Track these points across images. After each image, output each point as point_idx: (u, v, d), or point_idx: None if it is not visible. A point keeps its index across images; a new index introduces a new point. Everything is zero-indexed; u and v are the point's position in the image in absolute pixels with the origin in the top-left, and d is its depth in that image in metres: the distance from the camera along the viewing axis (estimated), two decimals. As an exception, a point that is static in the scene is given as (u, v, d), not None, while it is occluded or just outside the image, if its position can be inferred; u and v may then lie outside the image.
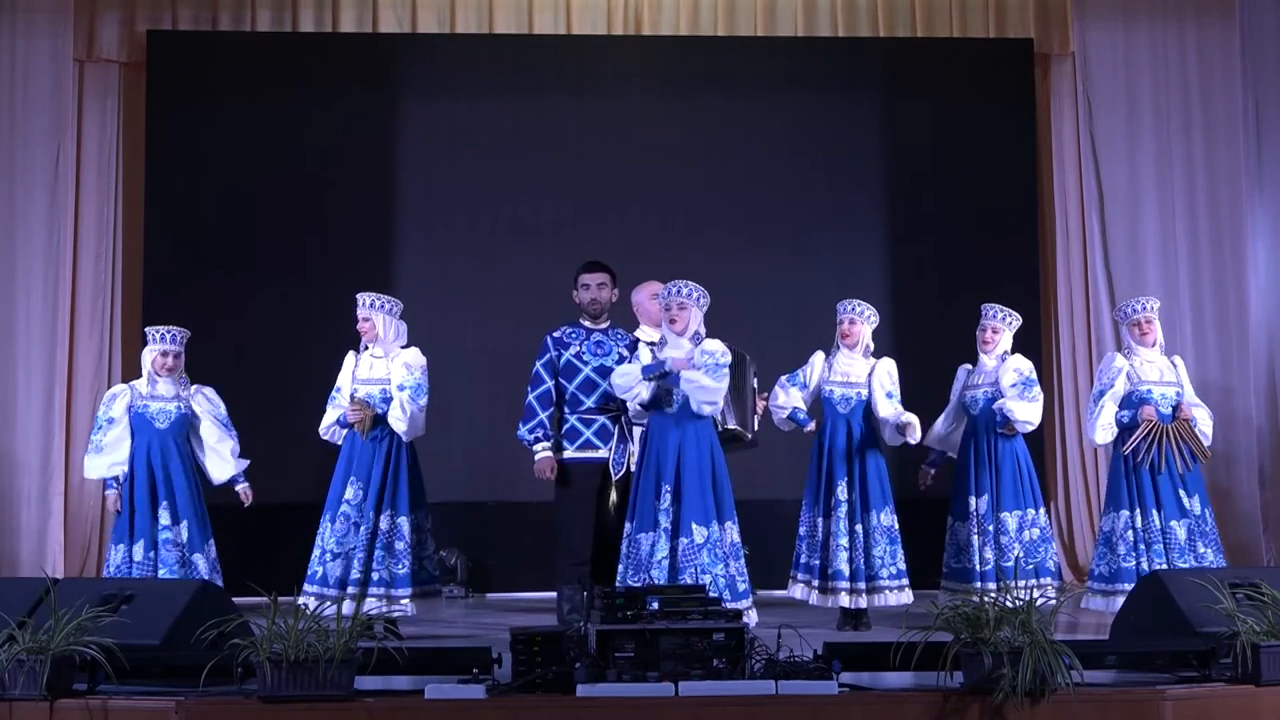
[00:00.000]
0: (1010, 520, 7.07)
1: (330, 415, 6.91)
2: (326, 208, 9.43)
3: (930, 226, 9.60)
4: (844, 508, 6.95)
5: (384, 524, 6.66)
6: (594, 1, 9.67)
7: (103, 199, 9.38)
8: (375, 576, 6.60)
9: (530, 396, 6.63)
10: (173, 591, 5.29)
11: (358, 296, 6.90)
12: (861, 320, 7.16)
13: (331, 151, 9.47)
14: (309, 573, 6.66)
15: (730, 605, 5.96)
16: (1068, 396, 9.65)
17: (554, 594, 6.71)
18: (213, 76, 9.41)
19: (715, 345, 6.48)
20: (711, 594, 5.64)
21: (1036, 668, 4.41)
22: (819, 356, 7.23)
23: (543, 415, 6.58)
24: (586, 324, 6.70)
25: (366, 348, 6.90)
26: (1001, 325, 7.26)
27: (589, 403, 6.58)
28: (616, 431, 6.57)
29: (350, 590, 6.49)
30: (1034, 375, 7.18)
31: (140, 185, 9.39)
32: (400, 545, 6.67)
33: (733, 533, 6.43)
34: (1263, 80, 9.36)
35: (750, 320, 9.16)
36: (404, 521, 6.70)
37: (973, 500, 7.12)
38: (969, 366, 7.35)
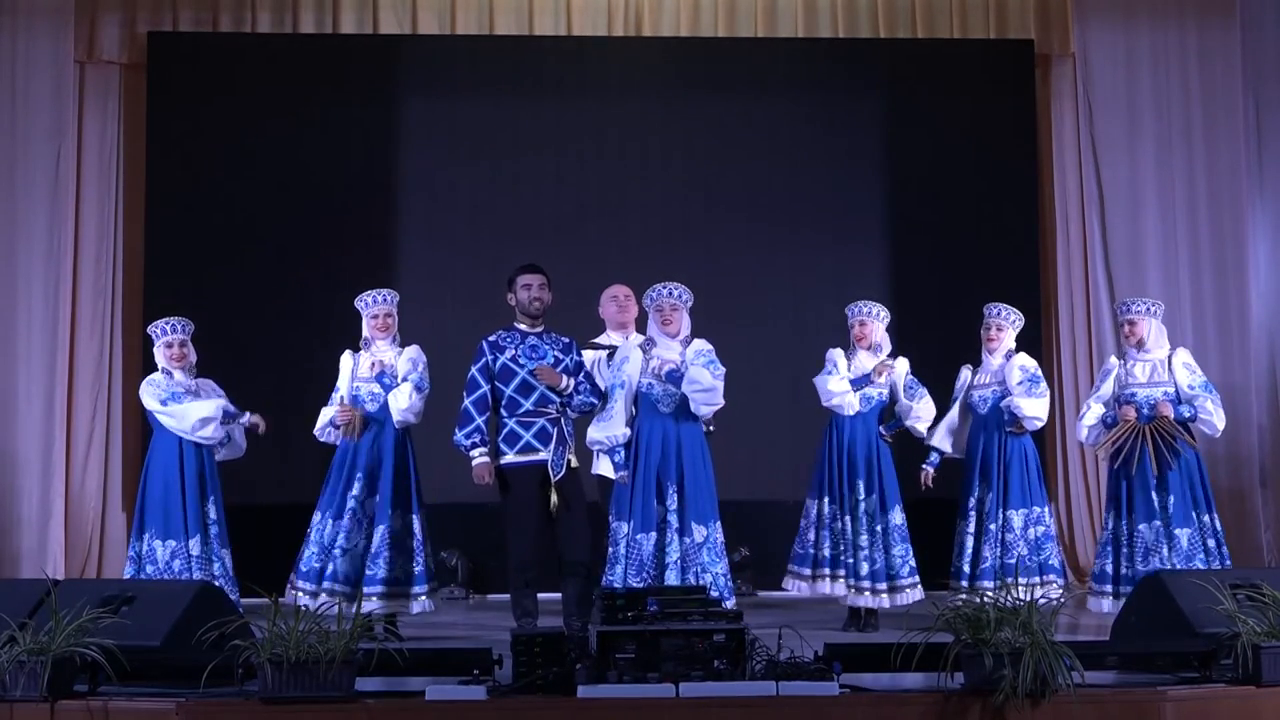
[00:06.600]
0: (1016, 518, 7.07)
1: (325, 415, 6.97)
2: (327, 208, 9.41)
3: (930, 227, 9.58)
4: (863, 507, 6.98)
5: (397, 522, 6.79)
6: (594, 3, 9.66)
7: (103, 200, 9.36)
8: (402, 574, 6.77)
9: (466, 401, 6.56)
10: (173, 593, 5.30)
11: (375, 294, 7.02)
12: (873, 320, 7.19)
13: (332, 152, 9.45)
14: (325, 570, 6.72)
15: (729, 603, 6.01)
16: (1068, 397, 9.62)
17: (555, 595, 6.71)
18: (213, 78, 9.40)
19: (705, 345, 6.54)
20: (712, 594, 5.65)
21: (1037, 669, 4.41)
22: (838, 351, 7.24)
23: (479, 420, 6.53)
24: (522, 327, 6.66)
25: (370, 345, 6.92)
26: (1005, 324, 7.30)
27: (527, 405, 6.53)
28: (556, 433, 6.53)
29: (377, 589, 6.66)
30: (1039, 372, 7.24)
31: (141, 186, 9.38)
32: (413, 543, 6.81)
33: (720, 533, 6.48)
34: (1263, 81, 9.37)
35: (751, 320, 9.16)
36: (415, 520, 6.84)
37: (973, 499, 7.14)
38: (971, 367, 7.37)
